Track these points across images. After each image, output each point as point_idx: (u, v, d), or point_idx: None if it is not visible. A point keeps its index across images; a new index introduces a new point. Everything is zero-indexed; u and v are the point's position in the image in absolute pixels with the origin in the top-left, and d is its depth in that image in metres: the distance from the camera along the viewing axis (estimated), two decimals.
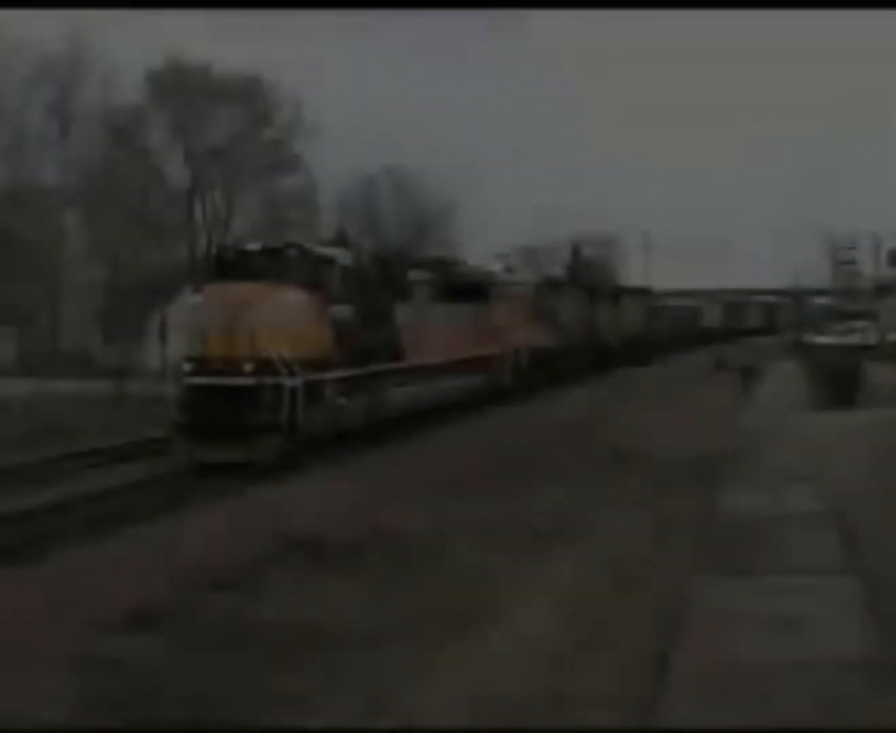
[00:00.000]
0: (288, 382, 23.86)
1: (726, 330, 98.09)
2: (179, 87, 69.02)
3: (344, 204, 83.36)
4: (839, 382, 36.65)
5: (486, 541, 17.78)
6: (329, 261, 26.99)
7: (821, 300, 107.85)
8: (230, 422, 23.79)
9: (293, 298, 25.15)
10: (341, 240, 66.38)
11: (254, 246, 27.21)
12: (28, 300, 72.38)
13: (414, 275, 33.00)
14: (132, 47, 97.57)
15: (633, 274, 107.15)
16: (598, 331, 59.37)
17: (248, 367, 23.88)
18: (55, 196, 72.52)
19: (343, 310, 26.86)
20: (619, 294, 68.81)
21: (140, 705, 10.80)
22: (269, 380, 23.83)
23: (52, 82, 71.45)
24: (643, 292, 79.79)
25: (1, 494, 21.95)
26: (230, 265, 26.44)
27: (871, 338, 63.75)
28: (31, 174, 72.03)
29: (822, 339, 62.38)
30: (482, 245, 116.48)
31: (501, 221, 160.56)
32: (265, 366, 23.84)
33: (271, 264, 25.88)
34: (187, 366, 24.71)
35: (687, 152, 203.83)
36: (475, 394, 37.55)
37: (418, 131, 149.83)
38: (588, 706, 10.37)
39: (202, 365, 24.44)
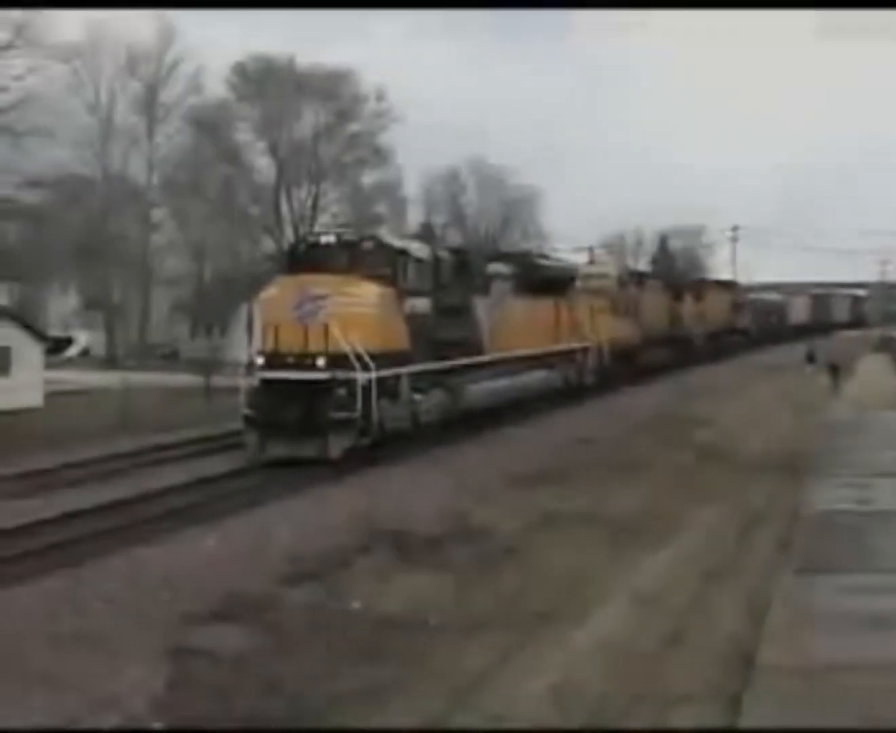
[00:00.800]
0: (362, 377, 23.39)
1: (813, 324, 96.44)
2: (264, 81, 69.18)
3: (429, 197, 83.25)
4: None
5: (571, 534, 17.87)
6: (404, 253, 26.31)
7: None
8: (303, 418, 23.37)
9: (368, 291, 24.54)
10: (427, 233, 66.36)
11: (328, 238, 26.49)
12: (117, 292, 73.37)
13: (493, 268, 32.40)
14: (218, 43, 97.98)
15: (720, 266, 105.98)
16: (682, 326, 58.44)
17: (321, 362, 23.45)
18: (143, 190, 73.29)
19: (419, 304, 26.33)
20: (703, 287, 67.63)
21: (228, 692, 10.89)
22: (342, 375, 23.38)
23: (139, 79, 72.33)
24: (729, 285, 78.55)
25: (74, 489, 22.12)
26: (304, 257, 25.85)
27: None
28: (119, 169, 72.87)
29: None
30: (569, 237, 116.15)
31: (589, 213, 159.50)
32: (339, 360, 23.36)
33: (346, 256, 25.27)
34: (259, 360, 24.40)
35: (775, 141, 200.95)
36: (556, 389, 37.00)
37: (503, 123, 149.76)
38: (670, 700, 10.38)
39: (274, 359, 24.07)
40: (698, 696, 10.45)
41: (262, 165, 70.52)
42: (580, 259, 57.67)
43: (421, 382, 26.33)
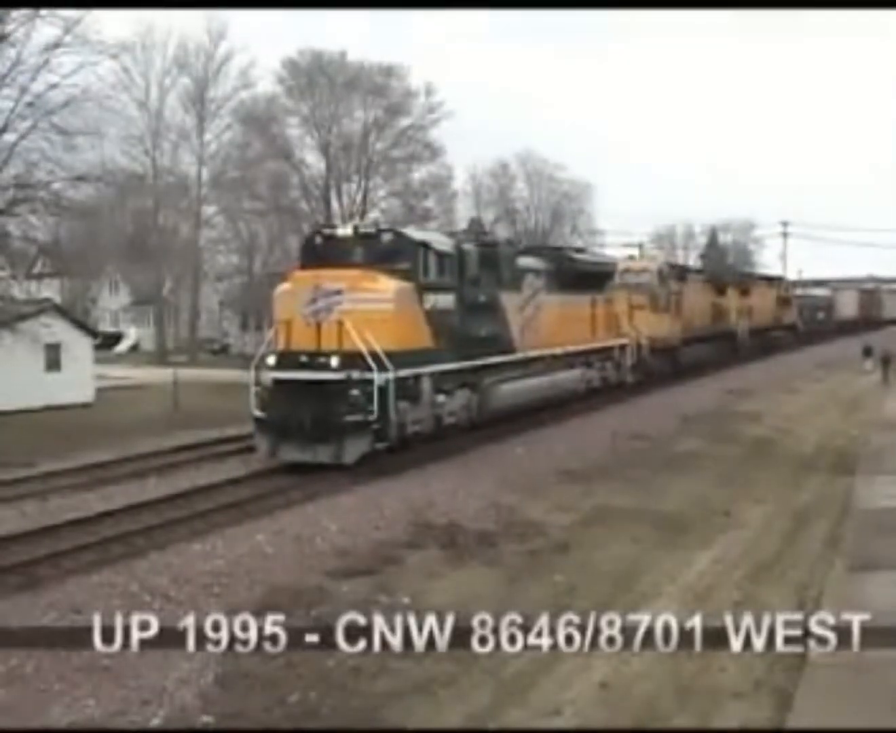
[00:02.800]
0: (378, 377, 22.33)
1: (862, 319, 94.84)
2: (314, 76, 68.73)
3: (478, 192, 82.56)
4: None
5: (622, 530, 17.89)
6: (425, 246, 24.99)
7: None
8: (316, 420, 22.29)
9: (385, 286, 23.35)
10: (476, 227, 65.44)
11: (344, 230, 25.21)
12: (167, 288, 73.51)
13: (525, 262, 31.14)
14: (267, 39, 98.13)
15: (770, 261, 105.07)
16: (725, 321, 57.21)
17: (334, 361, 22.39)
18: (193, 186, 73.27)
19: (442, 299, 25.15)
20: (749, 282, 66.20)
21: (274, 687, 11.02)
22: (357, 375, 22.33)
23: (189, 75, 72.39)
24: (775, 280, 77.39)
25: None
26: (320, 251, 24.60)
27: None
28: (170, 165, 72.91)
29: None
30: (621, 232, 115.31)
31: (642, 208, 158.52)
32: (354, 359, 22.28)
33: (363, 250, 24.12)
34: (270, 360, 23.42)
35: (825, 134, 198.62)
36: (594, 387, 35.96)
37: (552, 118, 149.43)
38: (718, 698, 10.56)
39: (286, 358, 23.08)
40: (747, 694, 10.57)
41: (312, 160, 70.18)
42: (631, 254, 56.51)
43: (445, 383, 25.30)
